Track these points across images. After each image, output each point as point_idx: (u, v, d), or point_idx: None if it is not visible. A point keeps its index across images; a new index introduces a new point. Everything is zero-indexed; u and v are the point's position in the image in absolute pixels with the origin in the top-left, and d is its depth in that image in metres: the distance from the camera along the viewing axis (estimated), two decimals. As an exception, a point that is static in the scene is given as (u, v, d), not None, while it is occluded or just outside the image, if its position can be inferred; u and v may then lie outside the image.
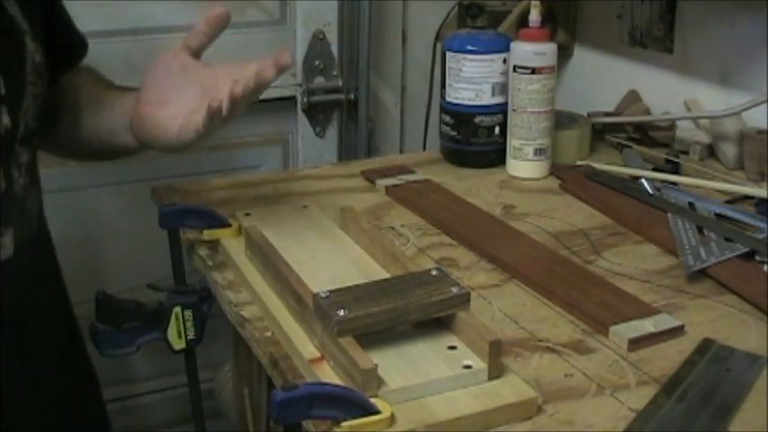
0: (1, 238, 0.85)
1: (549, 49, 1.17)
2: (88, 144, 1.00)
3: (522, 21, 1.27)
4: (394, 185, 1.16)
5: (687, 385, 0.72)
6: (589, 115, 1.33)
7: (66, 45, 1.01)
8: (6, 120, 0.84)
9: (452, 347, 0.73)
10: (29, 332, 0.92)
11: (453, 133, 1.25)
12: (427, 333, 0.75)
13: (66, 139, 1.01)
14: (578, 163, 1.23)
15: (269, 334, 0.80)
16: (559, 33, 1.48)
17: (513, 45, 1.19)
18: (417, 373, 0.70)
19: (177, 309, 0.99)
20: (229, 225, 0.98)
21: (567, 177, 1.18)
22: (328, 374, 0.71)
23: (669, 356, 0.77)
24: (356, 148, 1.72)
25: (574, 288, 0.87)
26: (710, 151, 1.22)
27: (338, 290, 0.74)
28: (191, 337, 1.00)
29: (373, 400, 0.65)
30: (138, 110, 0.89)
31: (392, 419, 0.65)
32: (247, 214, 1.01)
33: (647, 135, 1.29)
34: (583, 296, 0.86)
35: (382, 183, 1.17)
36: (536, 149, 1.19)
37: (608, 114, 1.35)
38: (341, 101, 1.69)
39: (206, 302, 1.02)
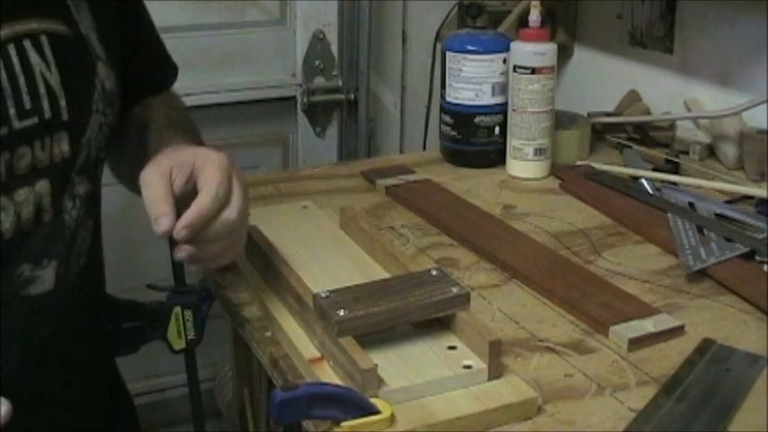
0: (41, 270, 0.80)
1: (549, 49, 1.17)
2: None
3: (522, 21, 1.27)
4: (394, 185, 1.16)
5: (687, 385, 0.72)
6: (589, 115, 1.33)
7: (146, 73, 0.97)
8: (65, 148, 0.79)
9: (452, 347, 0.73)
10: (68, 371, 0.87)
11: (453, 133, 1.24)
12: (427, 333, 0.75)
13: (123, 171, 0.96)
14: (578, 163, 1.23)
15: (269, 334, 0.80)
16: (559, 33, 1.48)
17: (513, 45, 1.19)
18: (417, 373, 0.70)
19: (177, 309, 0.99)
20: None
21: (567, 177, 1.18)
22: (328, 374, 0.71)
23: (669, 356, 0.77)
24: (356, 148, 1.73)
25: (574, 288, 0.87)
26: (710, 151, 1.22)
27: (338, 290, 0.74)
28: (191, 337, 1.00)
29: (373, 400, 0.65)
30: None
31: (392, 419, 0.65)
32: (247, 214, 1.01)
33: (647, 135, 1.29)
34: (583, 296, 0.86)
35: (382, 183, 1.17)
36: (536, 149, 1.19)
37: (608, 114, 1.35)
38: (341, 101, 1.70)
39: (206, 302, 1.02)
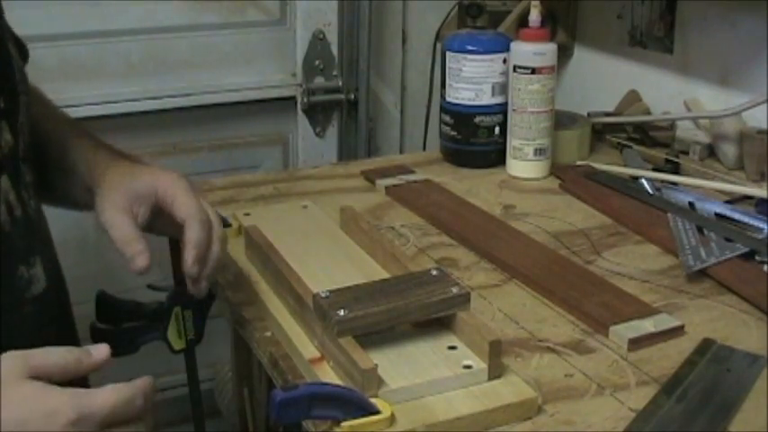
0: (34, 269, 0.78)
1: (549, 49, 1.17)
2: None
3: (522, 21, 1.27)
4: (394, 185, 1.16)
5: (687, 385, 0.72)
6: (589, 115, 1.33)
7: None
8: (8, 136, 0.76)
9: (452, 347, 0.73)
10: None
11: (453, 133, 1.24)
12: (427, 333, 0.75)
13: None
14: (578, 163, 1.23)
15: (269, 334, 0.81)
16: (559, 33, 1.48)
17: (513, 45, 1.19)
18: (417, 373, 0.70)
19: (177, 309, 0.99)
20: (229, 225, 0.98)
21: (567, 177, 1.18)
22: (328, 374, 0.71)
23: (669, 356, 0.77)
24: (356, 148, 1.72)
25: (574, 288, 0.87)
26: (710, 151, 1.22)
27: (338, 290, 0.74)
28: (191, 337, 1.00)
29: (373, 400, 0.65)
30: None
31: (392, 419, 0.65)
32: (247, 214, 1.01)
33: (647, 135, 1.29)
34: (583, 296, 0.86)
35: (382, 183, 1.17)
36: (536, 149, 1.19)
37: (608, 114, 1.35)
38: (341, 101, 1.69)
39: (206, 302, 1.02)
